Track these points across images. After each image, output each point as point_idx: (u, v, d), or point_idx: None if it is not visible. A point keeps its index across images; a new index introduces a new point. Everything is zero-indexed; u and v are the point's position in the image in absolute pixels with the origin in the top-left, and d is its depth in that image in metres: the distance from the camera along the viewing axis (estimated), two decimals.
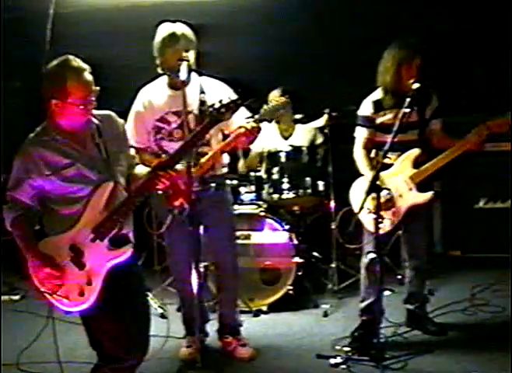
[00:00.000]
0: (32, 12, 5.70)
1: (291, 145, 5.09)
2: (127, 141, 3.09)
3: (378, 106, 3.95)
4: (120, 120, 3.05)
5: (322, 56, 5.61)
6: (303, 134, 5.41)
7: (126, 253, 2.88)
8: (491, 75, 5.56)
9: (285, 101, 3.69)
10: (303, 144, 5.22)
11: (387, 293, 4.88)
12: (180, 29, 3.79)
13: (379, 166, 3.62)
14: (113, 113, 3.02)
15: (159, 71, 3.83)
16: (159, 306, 4.84)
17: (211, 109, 2.95)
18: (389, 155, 3.81)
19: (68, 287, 2.78)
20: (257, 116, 3.65)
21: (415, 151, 3.89)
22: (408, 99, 3.60)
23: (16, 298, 5.24)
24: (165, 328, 4.29)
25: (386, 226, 3.79)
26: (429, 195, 3.90)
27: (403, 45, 3.86)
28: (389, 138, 3.67)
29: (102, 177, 2.84)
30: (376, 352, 3.65)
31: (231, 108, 2.94)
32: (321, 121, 5.29)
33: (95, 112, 2.88)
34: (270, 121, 3.81)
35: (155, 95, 3.87)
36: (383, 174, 3.84)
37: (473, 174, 5.66)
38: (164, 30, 3.80)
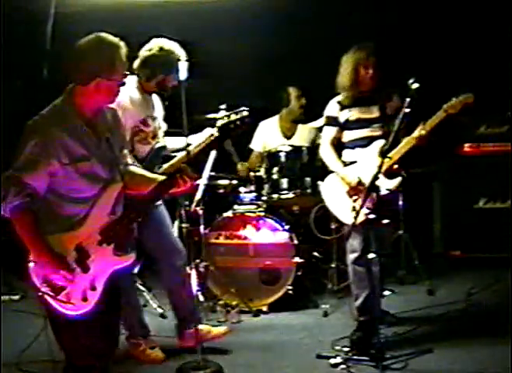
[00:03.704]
0: (32, 12, 5.71)
1: (291, 145, 5.09)
2: (125, 139, 3.01)
3: (343, 106, 4.12)
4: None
5: (322, 56, 5.61)
6: (304, 134, 5.41)
7: (130, 260, 2.77)
8: (491, 75, 5.56)
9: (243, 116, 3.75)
10: (304, 144, 5.22)
11: (387, 293, 4.88)
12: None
13: (382, 165, 3.64)
14: (116, 108, 2.91)
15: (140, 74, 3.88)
16: (158, 306, 4.84)
17: (220, 124, 2.92)
18: (358, 150, 4.04)
19: (71, 290, 2.62)
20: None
21: (380, 142, 3.98)
22: (407, 99, 3.62)
23: (16, 297, 5.24)
24: (165, 328, 4.31)
25: (360, 217, 3.72)
26: (397, 181, 3.99)
27: (358, 48, 4.04)
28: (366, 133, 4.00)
29: (110, 176, 2.72)
30: (376, 352, 3.66)
31: (240, 126, 2.88)
32: (322, 121, 5.29)
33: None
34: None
35: (132, 96, 3.83)
36: (352, 167, 4.03)
37: (473, 174, 5.67)
38: (175, 47, 3.86)
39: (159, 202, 3.91)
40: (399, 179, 4.00)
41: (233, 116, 2.90)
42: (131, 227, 2.77)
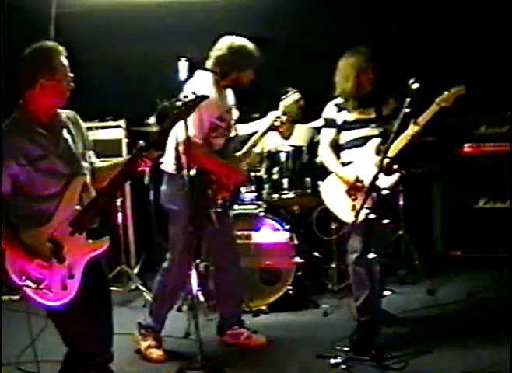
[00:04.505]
0: (32, 12, 5.71)
1: (291, 145, 5.10)
2: (89, 142, 3.10)
3: (341, 108, 4.16)
4: (82, 122, 3.08)
5: (322, 56, 5.62)
6: (303, 134, 5.41)
7: (105, 246, 2.90)
8: (491, 75, 5.57)
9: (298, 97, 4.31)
10: (303, 143, 5.23)
11: (387, 293, 4.88)
12: None
13: (383, 166, 3.69)
14: (77, 114, 3.06)
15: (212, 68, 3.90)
16: None
17: (175, 106, 3.01)
18: (355, 150, 4.08)
19: (50, 280, 2.77)
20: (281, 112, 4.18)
21: (376, 141, 4.03)
22: (407, 99, 3.65)
23: (16, 298, 5.22)
24: (165, 328, 4.30)
25: (361, 215, 3.78)
26: (394, 178, 4.01)
27: (358, 54, 4.07)
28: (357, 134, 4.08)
29: (72, 171, 2.87)
30: (377, 352, 3.66)
31: (192, 107, 3.04)
32: (320, 121, 5.29)
33: (61, 110, 2.94)
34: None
35: (212, 92, 3.84)
36: (350, 167, 4.07)
37: (473, 174, 5.67)
38: (246, 43, 3.92)
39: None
40: (396, 176, 4.02)
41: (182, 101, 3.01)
42: (100, 214, 2.93)
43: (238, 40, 3.91)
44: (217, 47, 3.93)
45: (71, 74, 2.88)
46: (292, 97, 4.24)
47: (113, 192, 2.93)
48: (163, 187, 4.00)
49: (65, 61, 2.86)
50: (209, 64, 3.92)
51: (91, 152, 3.09)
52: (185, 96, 3.01)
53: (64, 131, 2.91)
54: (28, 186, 2.81)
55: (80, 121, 3.05)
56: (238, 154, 4.11)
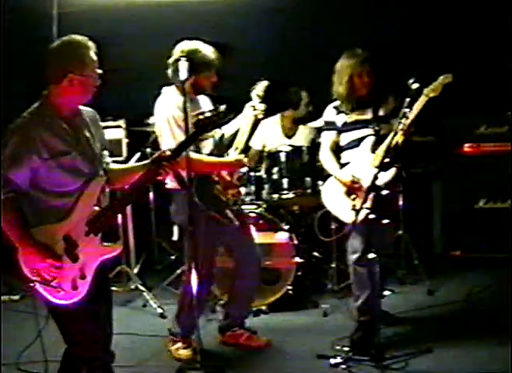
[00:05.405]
0: (33, 12, 5.71)
1: (291, 145, 5.10)
2: (106, 141, 3.07)
3: (340, 111, 4.18)
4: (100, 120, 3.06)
5: (323, 56, 5.62)
6: (305, 134, 5.41)
7: (117, 250, 2.89)
8: (491, 75, 5.57)
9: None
10: (304, 143, 5.22)
11: (387, 293, 4.88)
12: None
13: (383, 166, 3.71)
14: (96, 112, 3.02)
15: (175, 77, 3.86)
16: (158, 306, 4.84)
17: (201, 117, 3.02)
18: (355, 150, 4.08)
19: (61, 279, 2.73)
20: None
21: (370, 139, 4.03)
22: (407, 100, 3.65)
23: (16, 297, 5.24)
24: (165, 328, 4.31)
25: (360, 215, 3.80)
26: (391, 173, 4.00)
27: (352, 57, 4.07)
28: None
29: (93, 171, 2.84)
30: (376, 352, 3.66)
31: (220, 118, 3.04)
32: (321, 121, 5.29)
33: (81, 107, 2.90)
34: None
35: (178, 104, 3.80)
36: (348, 167, 4.09)
37: (473, 174, 5.67)
38: (197, 46, 3.86)
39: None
40: (393, 171, 4.00)
41: (209, 114, 3.02)
42: (117, 217, 2.96)
43: (189, 44, 3.85)
44: (172, 53, 3.89)
45: (99, 71, 2.83)
46: (261, 84, 4.18)
47: (132, 198, 2.91)
48: (172, 206, 3.98)
49: (95, 57, 2.82)
50: (169, 72, 3.90)
51: (106, 152, 3.04)
52: (210, 111, 3.01)
53: (86, 129, 2.87)
54: (46, 181, 2.74)
55: (99, 120, 3.01)
56: (237, 152, 4.05)
